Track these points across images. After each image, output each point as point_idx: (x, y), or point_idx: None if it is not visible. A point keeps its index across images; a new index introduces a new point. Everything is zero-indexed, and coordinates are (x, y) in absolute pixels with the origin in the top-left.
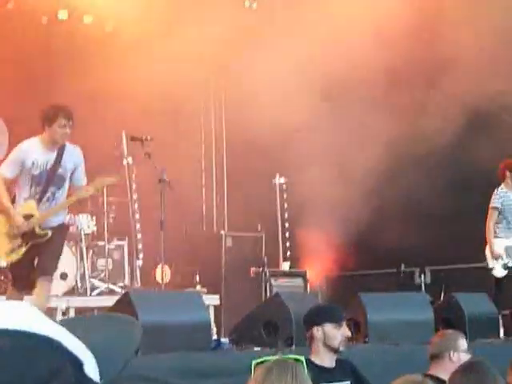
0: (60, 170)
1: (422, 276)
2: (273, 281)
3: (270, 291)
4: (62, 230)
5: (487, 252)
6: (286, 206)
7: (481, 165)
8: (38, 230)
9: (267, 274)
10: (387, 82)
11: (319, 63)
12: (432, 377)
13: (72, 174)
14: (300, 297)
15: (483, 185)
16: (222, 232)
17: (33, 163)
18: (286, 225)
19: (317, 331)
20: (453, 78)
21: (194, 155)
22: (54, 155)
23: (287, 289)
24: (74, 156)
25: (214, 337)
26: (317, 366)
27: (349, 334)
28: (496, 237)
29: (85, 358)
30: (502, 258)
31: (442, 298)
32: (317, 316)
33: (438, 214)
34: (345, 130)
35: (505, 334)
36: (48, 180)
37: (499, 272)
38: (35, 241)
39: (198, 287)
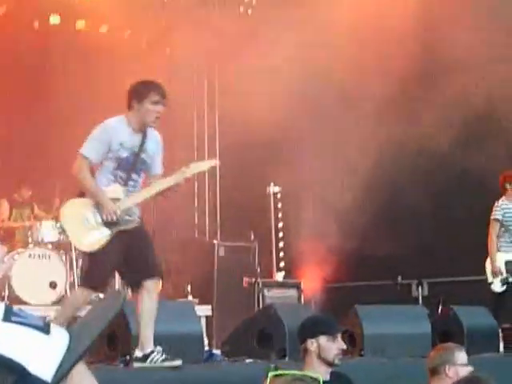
0: (143, 155)
1: (419, 288)
2: (266, 291)
3: (263, 302)
4: (143, 225)
5: (487, 266)
6: (280, 215)
7: (480, 176)
8: (124, 215)
9: (260, 284)
10: (380, 88)
11: (315, 69)
12: None
13: (151, 160)
14: (294, 308)
15: (483, 197)
16: (215, 241)
17: (120, 144)
18: (280, 234)
19: (311, 344)
20: (446, 84)
21: (186, 163)
22: (139, 138)
23: (280, 300)
24: (156, 142)
25: (206, 348)
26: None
27: (344, 346)
28: (498, 250)
29: (29, 356)
30: (502, 273)
31: (439, 310)
32: (311, 328)
33: (436, 225)
34: (340, 139)
35: (504, 348)
36: (133, 164)
37: (498, 287)
38: (120, 228)
39: (190, 297)
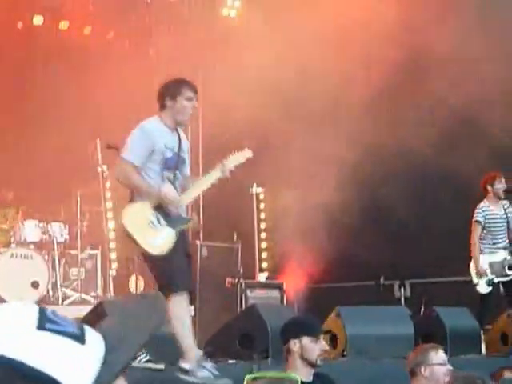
0: (182, 154)
1: (402, 289)
2: (249, 292)
3: (246, 303)
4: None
5: (472, 268)
6: (263, 216)
7: (463, 178)
8: (182, 216)
9: (243, 285)
10: (364, 94)
11: (299, 71)
12: None
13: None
14: (276, 309)
15: (465, 198)
16: (198, 242)
17: (165, 145)
18: (263, 235)
19: (294, 344)
20: (428, 86)
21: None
22: (176, 136)
23: (263, 300)
24: (186, 140)
25: None
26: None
27: (326, 347)
28: (481, 253)
29: (63, 369)
30: (487, 275)
31: (421, 311)
32: (294, 329)
33: (418, 227)
34: (323, 141)
35: (486, 349)
36: (177, 164)
37: (484, 288)
38: (182, 226)
39: None
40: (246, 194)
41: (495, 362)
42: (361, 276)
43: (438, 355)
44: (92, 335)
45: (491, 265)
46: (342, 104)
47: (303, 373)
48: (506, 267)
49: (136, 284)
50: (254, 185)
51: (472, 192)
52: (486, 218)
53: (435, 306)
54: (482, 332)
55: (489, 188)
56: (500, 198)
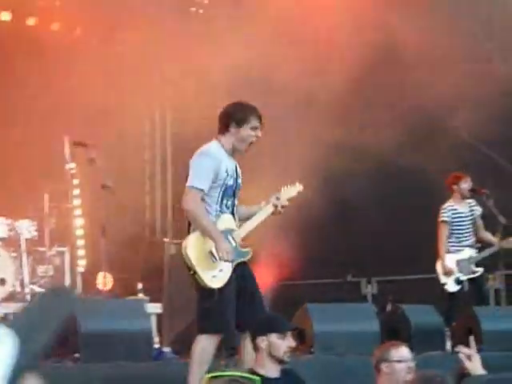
0: (239, 180)
1: (369, 286)
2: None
3: None
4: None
5: (438, 267)
6: None
7: (429, 177)
8: (239, 247)
9: None
10: (329, 91)
11: (266, 68)
12: None
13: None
14: None
15: (431, 197)
16: (165, 239)
17: (226, 172)
18: None
19: (262, 341)
20: (398, 89)
21: (137, 161)
22: (234, 163)
23: None
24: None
25: (156, 346)
26: (260, 376)
27: (293, 344)
28: (447, 252)
29: None
30: (454, 273)
31: (387, 308)
32: (262, 326)
33: (385, 225)
34: (289, 139)
35: (452, 346)
36: (235, 190)
37: (452, 287)
38: (239, 260)
39: (141, 295)
40: None
41: (459, 358)
42: (328, 273)
43: (399, 352)
44: (1, 330)
45: (458, 263)
46: (308, 101)
47: (270, 369)
48: (473, 264)
49: (104, 281)
50: None
51: (438, 191)
52: (451, 218)
53: (401, 304)
54: (447, 329)
55: (454, 187)
56: (465, 198)
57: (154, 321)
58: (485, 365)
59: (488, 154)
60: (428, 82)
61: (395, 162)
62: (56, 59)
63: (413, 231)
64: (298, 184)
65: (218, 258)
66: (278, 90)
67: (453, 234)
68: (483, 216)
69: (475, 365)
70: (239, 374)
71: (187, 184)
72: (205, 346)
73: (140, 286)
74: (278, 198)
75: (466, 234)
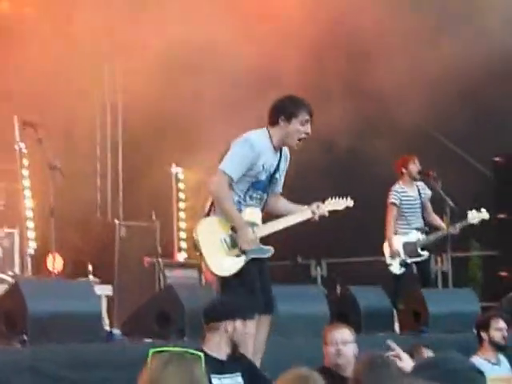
0: (277, 175)
1: (318, 268)
2: (167, 272)
3: (164, 282)
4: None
5: (385, 249)
6: (182, 196)
7: (379, 159)
8: (259, 243)
9: (161, 264)
10: (281, 79)
11: (226, 52)
12: (328, 370)
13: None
14: (193, 289)
15: (381, 180)
16: (116, 221)
17: (263, 166)
18: (182, 215)
19: (228, 325)
20: (353, 77)
21: (88, 142)
22: (277, 157)
23: (181, 280)
24: (286, 160)
25: (106, 328)
26: (211, 357)
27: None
28: (395, 233)
29: None
30: (400, 255)
31: (336, 290)
32: (230, 310)
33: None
34: (246, 126)
35: (400, 328)
36: (267, 185)
37: (397, 269)
38: (256, 255)
39: (91, 277)
40: (165, 173)
41: (408, 339)
42: (278, 255)
43: (330, 336)
44: None
45: (404, 245)
46: (261, 87)
47: (223, 351)
48: (419, 248)
49: (53, 263)
50: (173, 165)
51: (386, 174)
52: (400, 200)
53: (350, 285)
54: (395, 311)
55: (403, 170)
56: (414, 180)
57: (104, 302)
58: (431, 346)
59: (441, 141)
60: (383, 69)
61: (346, 147)
62: (5, 39)
63: (362, 214)
64: (349, 199)
65: (232, 246)
66: (233, 71)
67: (402, 216)
68: (432, 199)
69: (406, 363)
70: (181, 349)
71: (219, 166)
72: (247, 330)
73: (90, 267)
74: (318, 206)
75: (414, 217)
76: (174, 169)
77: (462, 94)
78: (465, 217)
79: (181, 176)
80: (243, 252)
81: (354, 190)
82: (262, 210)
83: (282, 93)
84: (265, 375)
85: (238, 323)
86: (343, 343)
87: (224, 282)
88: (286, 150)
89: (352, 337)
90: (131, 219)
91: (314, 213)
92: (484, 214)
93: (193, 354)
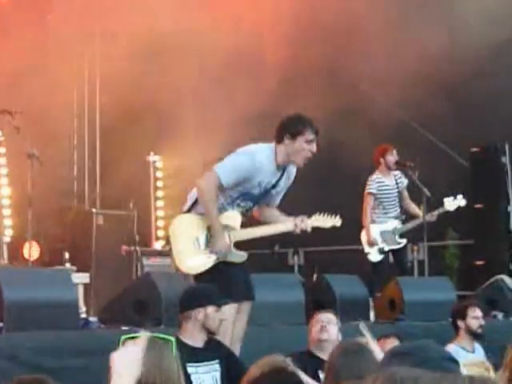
0: (273, 191)
1: (295, 257)
2: (144, 260)
3: (142, 270)
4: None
5: (363, 237)
6: (160, 184)
7: (357, 149)
8: (233, 248)
9: (139, 253)
10: (255, 64)
11: (202, 40)
12: (310, 353)
13: (277, 194)
14: (171, 277)
15: (358, 169)
16: (93, 209)
17: (258, 184)
18: (160, 204)
19: (198, 313)
20: (326, 65)
21: (65, 130)
22: (278, 176)
23: (159, 268)
24: (289, 178)
25: (83, 316)
26: (186, 345)
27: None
28: (372, 222)
29: None
30: (378, 243)
31: (313, 279)
32: (200, 297)
33: (310, 195)
34: (218, 111)
35: (375, 316)
36: (258, 199)
37: (375, 257)
38: (227, 259)
39: (68, 265)
40: (143, 162)
41: (383, 328)
42: (256, 244)
43: (316, 317)
44: None
45: (382, 234)
46: (236, 75)
47: (198, 339)
48: (397, 236)
49: (30, 251)
50: (151, 153)
51: (362, 164)
52: (378, 189)
53: (326, 274)
54: (371, 299)
55: (381, 160)
56: (391, 170)
57: (80, 290)
58: (407, 334)
59: (418, 131)
60: (361, 59)
61: (324, 136)
62: None
63: (339, 203)
64: (337, 218)
65: (205, 246)
66: (209, 58)
67: (379, 205)
68: (408, 189)
69: (374, 350)
70: (153, 334)
71: (215, 166)
72: (225, 316)
73: (67, 255)
74: (303, 221)
75: (391, 206)
76: (152, 157)
77: (440, 85)
78: (441, 205)
79: (159, 164)
80: (215, 253)
81: (330, 180)
82: (244, 215)
83: (256, 80)
84: (242, 362)
85: (210, 310)
86: (328, 322)
87: (196, 276)
88: (291, 170)
89: (337, 321)
90: (109, 208)
91: (296, 226)
92: (460, 201)
93: (163, 338)
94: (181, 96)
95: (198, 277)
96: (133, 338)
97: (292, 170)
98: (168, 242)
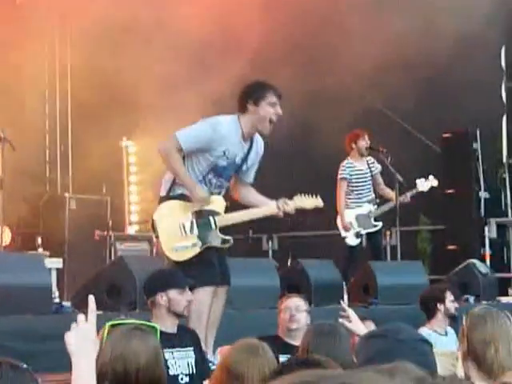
0: (244, 166)
1: (270, 242)
2: (118, 244)
3: (115, 255)
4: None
5: (338, 222)
6: (133, 169)
7: (329, 134)
8: (219, 233)
9: (112, 237)
10: (224, 53)
11: (173, 24)
12: (279, 338)
13: (248, 169)
14: (144, 261)
15: (331, 155)
16: (66, 194)
17: (224, 152)
18: (133, 189)
19: (161, 297)
20: (303, 51)
21: (37, 114)
22: (246, 147)
23: (132, 253)
24: (258, 151)
25: (56, 300)
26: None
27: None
28: (347, 207)
29: None
30: (354, 227)
31: (288, 264)
32: (160, 282)
33: (284, 183)
34: (190, 98)
35: (349, 300)
36: (229, 174)
37: (352, 241)
38: (213, 244)
39: (40, 250)
40: (116, 147)
41: (357, 312)
42: (230, 229)
43: (285, 303)
44: None
45: (358, 217)
46: (206, 55)
47: (169, 324)
48: (372, 219)
49: (1, 236)
50: (124, 138)
51: (336, 149)
52: (350, 175)
53: (301, 259)
54: (344, 283)
55: (353, 145)
56: (363, 155)
57: (53, 275)
58: (380, 317)
59: (390, 117)
60: (334, 44)
61: (296, 122)
62: None
63: (313, 189)
64: (318, 199)
65: (190, 231)
66: (180, 43)
67: (352, 190)
68: (381, 173)
69: (356, 325)
70: (139, 322)
71: (176, 131)
72: (201, 298)
73: (39, 240)
74: (285, 203)
75: (365, 191)
76: (125, 142)
77: (412, 71)
78: (414, 187)
79: (131, 149)
80: (202, 240)
81: (304, 165)
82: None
83: (227, 62)
84: (207, 358)
85: (172, 293)
86: (296, 309)
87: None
88: (259, 142)
89: (305, 306)
90: (81, 192)
91: (279, 208)
92: (432, 181)
93: (149, 325)
94: (151, 80)
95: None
96: (118, 324)
97: (260, 143)
98: (154, 229)
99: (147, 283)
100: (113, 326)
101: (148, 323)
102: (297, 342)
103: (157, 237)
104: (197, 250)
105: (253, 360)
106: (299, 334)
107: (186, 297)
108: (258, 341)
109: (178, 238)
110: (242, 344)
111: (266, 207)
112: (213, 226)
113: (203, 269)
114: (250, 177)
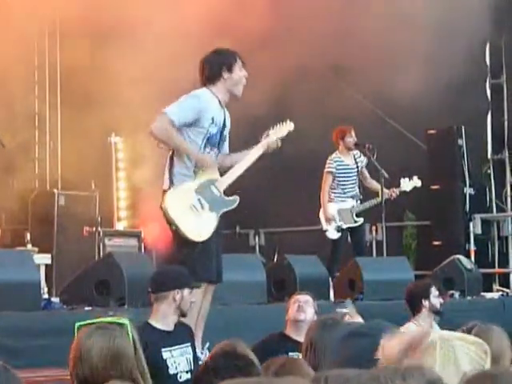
0: (225, 131)
1: (257, 238)
2: (106, 240)
3: (104, 251)
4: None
5: (321, 215)
6: (121, 165)
7: (312, 132)
8: (223, 196)
9: (101, 233)
10: (219, 36)
11: (160, 14)
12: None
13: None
14: (133, 257)
15: (318, 150)
16: (55, 190)
17: (212, 119)
18: (122, 185)
19: (176, 294)
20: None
21: (27, 109)
22: (223, 112)
23: (121, 249)
24: (229, 117)
25: (45, 296)
26: (158, 330)
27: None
28: (330, 201)
29: None
30: (336, 221)
31: (274, 259)
32: (179, 279)
33: (271, 178)
34: (180, 86)
35: (335, 296)
36: (219, 141)
37: (333, 234)
38: (225, 208)
39: (29, 246)
40: (105, 143)
41: (342, 307)
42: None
43: (294, 298)
44: None
45: (340, 212)
46: (196, 49)
47: (170, 321)
48: (354, 214)
49: None
50: (113, 134)
51: (322, 146)
52: (337, 169)
53: (287, 254)
54: (330, 279)
55: (340, 141)
56: (350, 150)
57: (42, 271)
58: (366, 313)
59: (376, 113)
60: (322, 36)
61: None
62: None
63: (300, 184)
64: (288, 122)
65: (202, 208)
66: (167, 34)
67: (338, 184)
68: (366, 168)
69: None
70: (108, 320)
71: (163, 109)
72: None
73: (28, 236)
74: (268, 137)
75: (350, 185)
76: (113, 138)
77: (398, 67)
78: (398, 185)
79: (120, 146)
80: (214, 210)
81: (289, 160)
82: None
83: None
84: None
85: (186, 292)
86: (305, 302)
87: (189, 249)
88: (227, 114)
89: (314, 304)
90: (70, 188)
91: (265, 146)
92: (416, 182)
93: (118, 323)
94: (138, 76)
95: (182, 246)
96: (86, 324)
97: (227, 114)
98: (169, 222)
99: (160, 278)
100: (81, 326)
101: (116, 320)
102: (301, 338)
103: (176, 227)
104: (215, 221)
105: (228, 358)
106: (305, 328)
107: (191, 297)
108: (239, 341)
109: (195, 219)
110: (223, 344)
111: (254, 150)
112: (217, 193)
113: (204, 264)
114: (226, 147)
